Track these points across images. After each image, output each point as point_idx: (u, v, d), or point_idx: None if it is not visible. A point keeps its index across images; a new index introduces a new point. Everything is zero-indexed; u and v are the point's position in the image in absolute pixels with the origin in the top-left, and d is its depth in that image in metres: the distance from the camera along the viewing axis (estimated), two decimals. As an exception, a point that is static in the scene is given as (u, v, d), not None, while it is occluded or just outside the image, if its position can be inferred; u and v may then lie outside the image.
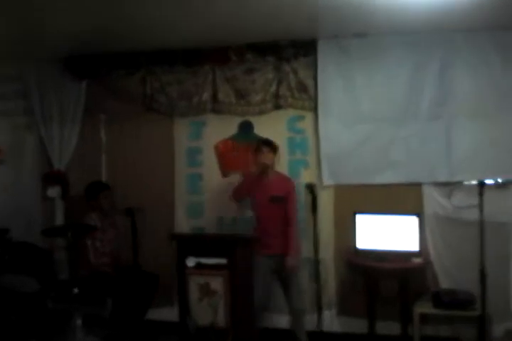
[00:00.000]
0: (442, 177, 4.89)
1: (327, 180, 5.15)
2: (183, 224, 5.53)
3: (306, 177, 5.18)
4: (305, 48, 5.19)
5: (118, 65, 5.60)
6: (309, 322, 4.94)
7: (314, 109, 5.20)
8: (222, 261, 4.60)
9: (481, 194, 4.10)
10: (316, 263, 4.89)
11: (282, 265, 4.73)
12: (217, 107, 5.46)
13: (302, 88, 5.22)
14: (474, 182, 4.20)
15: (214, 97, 5.45)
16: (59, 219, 5.80)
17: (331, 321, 5.09)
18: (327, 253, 5.09)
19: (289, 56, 5.23)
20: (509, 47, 4.76)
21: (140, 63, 5.55)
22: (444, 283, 4.81)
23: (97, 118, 5.80)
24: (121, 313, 4.81)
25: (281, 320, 5.09)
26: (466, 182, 4.40)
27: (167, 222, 5.49)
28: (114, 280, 4.97)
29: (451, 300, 4.49)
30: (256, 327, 4.82)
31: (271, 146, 4.82)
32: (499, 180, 4.21)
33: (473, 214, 4.39)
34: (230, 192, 5.01)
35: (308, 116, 5.25)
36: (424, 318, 4.61)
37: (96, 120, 5.80)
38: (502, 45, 4.77)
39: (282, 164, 5.18)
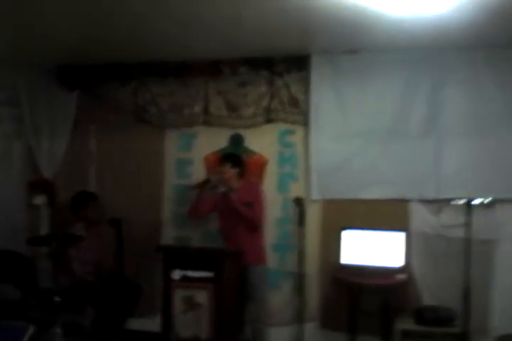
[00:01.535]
0: (430, 195, 4.92)
1: (315, 195, 5.16)
2: (170, 234, 5.51)
3: (294, 191, 5.17)
4: (298, 63, 5.23)
5: (110, 76, 5.62)
6: (291, 335, 4.96)
7: (305, 124, 5.23)
8: (209, 274, 4.59)
9: (469, 213, 4.14)
10: (300, 276, 4.93)
11: (246, 276, 4.79)
12: (208, 119, 5.47)
13: (294, 102, 5.25)
14: (462, 200, 4.21)
15: (205, 110, 5.47)
16: (44, 228, 5.77)
17: (313, 334, 5.08)
18: (312, 267, 5.09)
19: (282, 70, 5.27)
20: (502, 67, 4.81)
21: (132, 75, 5.57)
22: (427, 300, 4.83)
23: (87, 128, 5.79)
24: (102, 322, 4.80)
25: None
26: (453, 202, 4.40)
27: (153, 233, 5.48)
28: (96, 289, 4.96)
29: (432, 317, 4.49)
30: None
31: (235, 162, 4.97)
32: (487, 200, 4.23)
33: (459, 232, 4.45)
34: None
35: (299, 130, 5.28)
36: (405, 334, 4.60)
37: (86, 130, 5.78)
38: (495, 64, 4.82)
39: (271, 177, 5.28)
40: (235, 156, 5.07)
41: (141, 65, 5.52)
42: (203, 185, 4.90)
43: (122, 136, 5.63)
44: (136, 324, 5.18)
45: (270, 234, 5.10)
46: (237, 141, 5.45)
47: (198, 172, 5.49)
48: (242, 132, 5.43)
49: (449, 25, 4.20)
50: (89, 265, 5.17)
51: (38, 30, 4.44)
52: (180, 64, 5.46)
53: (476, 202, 4.22)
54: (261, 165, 5.29)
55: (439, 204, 4.78)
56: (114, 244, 5.05)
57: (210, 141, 5.52)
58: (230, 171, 4.91)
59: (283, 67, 5.28)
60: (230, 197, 4.79)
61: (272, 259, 5.05)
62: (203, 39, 4.71)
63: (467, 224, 4.13)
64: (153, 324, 4.97)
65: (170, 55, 5.30)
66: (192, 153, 5.56)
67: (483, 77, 4.85)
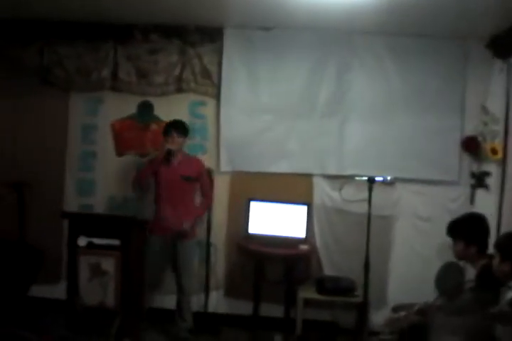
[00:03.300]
0: (332, 171, 5.19)
1: (224, 166, 5.25)
2: (73, 201, 5.38)
3: (204, 162, 5.24)
4: (211, 35, 5.24)
5: (13, 33, 5.28)
6: (196, 303, 5.11)
7: (217, 96, 5.27)
8: (115, 241, 4.59)
9: (370, 189, 4.41)
10: (207, 245, 5.06)
11: (177, 244, 4.81)
12: (116, 85, 5.35)
13: (206, 74, 5.27)
14: (364, 178, 4.48)
15: (114, 74, 5.33)
16: None
17: (218, 302, 5.27)
18: (219, 236, 5.25)
19: (195, 40, 5.25)
20: (402, 53, 5.10)
21: (38, 33, 5.28)
22: (328, 270, 5.13)
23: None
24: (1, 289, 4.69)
25: (167, 300, 5.13)
26: (357, 178, 4.68)
27: (56, 199, 5.33)
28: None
29: (333, 287, 4.79)
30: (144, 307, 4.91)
31: (182, 130, 4.82)
32: (388, 178, 4.53)
33: (359, 207, 4.76)
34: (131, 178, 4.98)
35: (211, 102, 5.31)
36: (307, 302, 4.87)
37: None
38: (396, 50, 5.10)
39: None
40: (180, 123, 4.86)
41: (48, 24, 5.24)
42: (168, 156, 4.74)
43: (25, 97, 5.36)
44: (40, 291, 5.08)
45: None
46: (146, 108, 5.38)
47: (104, 139, 5.40)
48: (151, 100, 5.37)
49: (360, 10, 4.38)
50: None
51: None
52: (90, 25, 5.25)
53: (378, 179, 4.50)
54: (171, 134, 5.29)
55: (341, 180, 5.01)
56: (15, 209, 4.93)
57: (118, 107, 5.40)
58: (178, 140, 4.79)
59: (196, 37, 5.25)
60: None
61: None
62: (116, 1, 4.60)
63: (368, 200, 4.40)
64: (58, 291, 4.91)
65: (80, 16, 5.08)
66: (98, 118, 5.41)
67: (387, 63, 5.14)
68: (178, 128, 4.81)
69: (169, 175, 4.79)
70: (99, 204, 5.39)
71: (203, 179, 4.93)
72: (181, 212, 4.77)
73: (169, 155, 4.74)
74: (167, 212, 4.78)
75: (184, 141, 4.86)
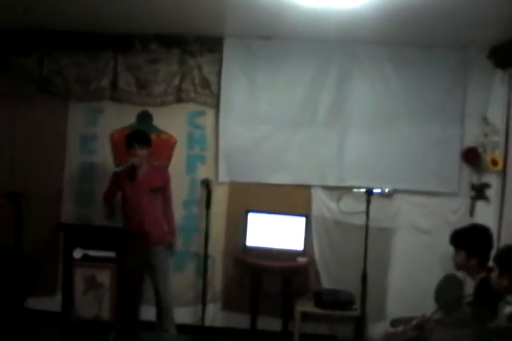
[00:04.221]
0: (331, 182, 5.13)
1: (223, 177, 5.21)
2: (71, 212, 5.36)
3: (202, 172, 5.22)
4: (211, 44, 5.22)
5: (13, 42, 5.29)
6: (193, 316, 5.05)
7: (216, 106, 5.24)
8: (111, 254, 4.54)
9: (368, 201, 4.36)
10: (204, 258, 5.00)
11: (152, 255, 4.78)
12: (116, 95, 5.33)
13: (205, 84, 5.25)
14: (363, 189, 4.43)
15: (113, 84, 5.32)
16: None
17: (215, 316, 5.21)
18: (216, 248, 5.18)
19: (195, 50, 5.24)
20: (403, 63, 5.06)
21: (38, 42, 5.28)
22: (326, 283, 5.06)
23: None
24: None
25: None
26: (355, 190, 4.63)
27: (54, 209, 5.31)
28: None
29: (331, 300, 4.70)
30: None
31: (143, 141, 4.78)
32: (386, 190, 4.48)
33: (358, 219, 4.70)
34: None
35: (210, 112, 5.28)
36: (305, 316, 4.79)
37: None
38: (397, 59, 5.07)
39: (179, 158, 5.26)
40: (141, 135, 4.85)
41: (49, 34, 5.24)
42: (132, 171, 4.71)
43: (25, 106, 5.36)
44: (36, 303, 5.05)
45: (176, 215, 5.04)
46: (145, 118, 5.36)
47: (103, 149, 5.38)
48: (151, 110, 5.34)
49: (360, 19, 4.32)
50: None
51: None
52: (90, 35, 5.25)
53: (376, 191, 4.44)
54: (170, 145, 5.27)
55: (340, 191, 4.94)
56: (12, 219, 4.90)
57: (117, 117, 5.39)
58: (142, 152, 4.74)
59: (196, 47, 5.24)
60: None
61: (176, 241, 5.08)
62: (116, 11, 4.57)
63: (367, 212, 4.35)
64: (54, 303, 4.85)
65: (80, 25, 5.08)
66: (97, 128, 5.39)
67: (387, 72, 5.10)
68: (140, 139, 4.77)
69: (136, 189, 4.75)
70: (97, 215, 5.33)
71: (168, 189, 4.89)
72: (147, 225, 4.71)
73: (133, 170, 4.72)
74: (134, 226, 4.74)
75: (148, 152, 4.81)
